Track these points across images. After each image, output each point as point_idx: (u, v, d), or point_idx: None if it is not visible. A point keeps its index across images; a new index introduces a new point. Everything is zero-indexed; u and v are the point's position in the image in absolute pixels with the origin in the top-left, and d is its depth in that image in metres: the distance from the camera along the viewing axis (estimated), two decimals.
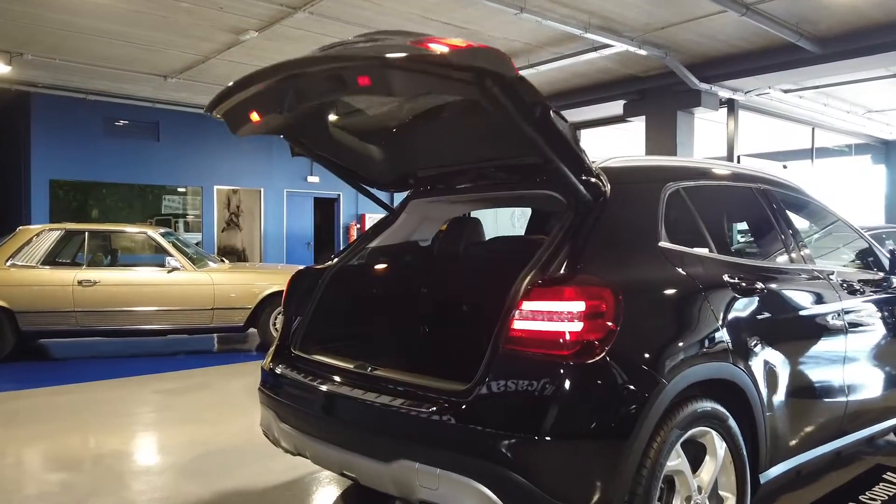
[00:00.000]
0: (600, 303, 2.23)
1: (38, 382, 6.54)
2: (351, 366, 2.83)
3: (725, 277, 2.75)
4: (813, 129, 14.88)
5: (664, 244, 2.63)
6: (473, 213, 3.91)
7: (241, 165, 14.84)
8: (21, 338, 7.44)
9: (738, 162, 12.41)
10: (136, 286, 7.73)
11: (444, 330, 3.58)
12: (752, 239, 3.67)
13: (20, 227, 7.98)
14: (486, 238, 3.73)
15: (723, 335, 2.58)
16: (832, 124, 14.53)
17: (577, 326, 2.19)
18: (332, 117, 3.15)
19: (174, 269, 7.80)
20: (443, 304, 3.62)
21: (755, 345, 2.73)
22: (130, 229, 8.36)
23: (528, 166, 2.94)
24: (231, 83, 2.65)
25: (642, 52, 9.27)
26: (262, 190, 15.27)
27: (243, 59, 10.16)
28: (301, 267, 3.58)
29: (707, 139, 12.65)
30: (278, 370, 3.09)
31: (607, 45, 9.07)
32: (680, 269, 2.60)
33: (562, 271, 2.34)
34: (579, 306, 2.21)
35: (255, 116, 2.70)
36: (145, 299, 7.70)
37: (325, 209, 16.64)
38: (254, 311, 8.07)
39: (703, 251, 2.81)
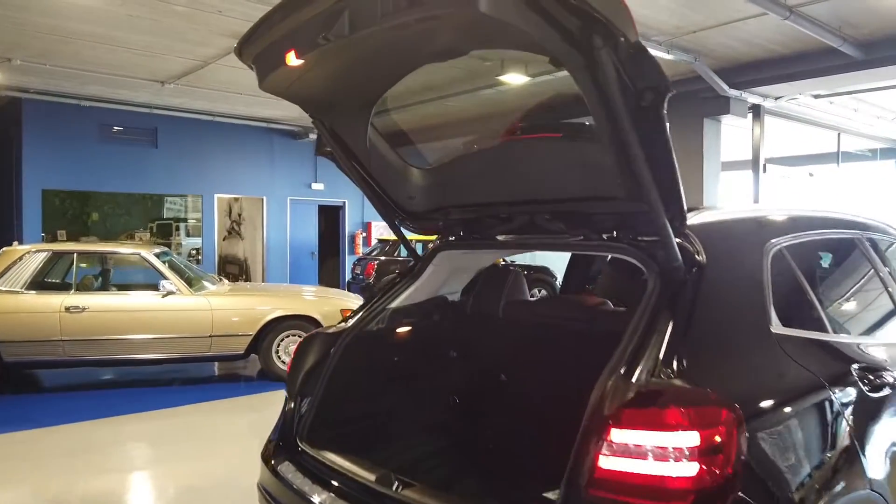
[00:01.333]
0: (718, 429, 1.64)
1: (15, 424, 5.95)
2: (372, 477, 2.25)
3: (853, 370, 2.16)
4: (839, 133, 14.28)
5: (777, 329, 2.05)
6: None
7: (242, 173, 14.27)
8: (4, 369, 6.88)
9: (765, 171, 11.80)
10: (128, 312, 7.15)
11: (485, 418, 2.98)
12: (848, 298, 3.06)
13: (3, 248, 7.41)
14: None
15: (859, 452, 1.99)
16: (859, 129, 13.91)
17: (691, 468, 1.60)
18: (377, 115, 2.60)
19: (169, 293, 7.23)
20: (480, 382, 3.03)
21: (889, 457, 2.14)
22: (123, 250, 7.78)
23: (596, 217, 2.35)
24: (272, 9, 2.06)
25: (669, 57, 8.66)
26: (264, 198, 14.70)
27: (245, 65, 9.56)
28: (310, 333, 2.94)
29: (724, 144, 12.04)
30: (281, 470, 2.51)
31: None
32: (801, 365, 2.01)
33: (657, 377, 1.75)
34: (692, 438, 1.62)
35: (291, 58, 2.07)
36: (138, 326, 7.13)
37: (331, 217, 16.07)
38: (255, 336, 7.51)
39: (821, 333, 2.22)
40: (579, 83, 1.84)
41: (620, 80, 1.73)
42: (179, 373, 8.08)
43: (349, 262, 15.58)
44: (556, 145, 2.38)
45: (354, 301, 8.15)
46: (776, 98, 10.57)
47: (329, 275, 16.43)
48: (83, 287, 7.36)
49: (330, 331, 2.89)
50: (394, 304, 2.90)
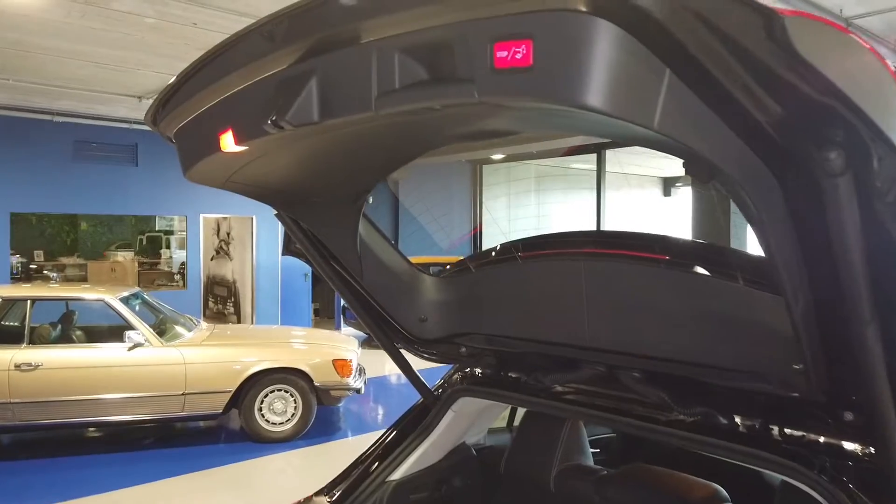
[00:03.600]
0: None
1: None
2: None
3: None
4: None
5: None
6: None
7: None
8: None
9: None
10: (88, 369, 6.23)
11: None
12: None
13: None
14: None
15: None
16: None
17: None
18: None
19: (136, 345, 6.32)
20: None
21: None
22: (87, 296, 6.84)
23: (728, 392, 1.46)
24: (190, 65, 1.27)
25: None
26: (253, 217, 13.77)
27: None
28: None
29: None
30: None
31: None
32: None
33: None
34: None
35: (226, 141, 1.24)
36: (100, 385, 6.21)
37: None
38: (236, 391, 6.61)
39: None
40: (756, 215, 0.96)
41: (867, 228, 0.86)
42: (149, 430, 7.15)
43: None
44: (660, 272, 1.50)
45: (348, 347, 7.25)
46: None
47: (323, 298, 15.54)
48: (39, 338, 6.45)
49: None
50: (397, 475, 2.00)
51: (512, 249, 1.82)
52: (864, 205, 0.86)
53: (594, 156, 13.80)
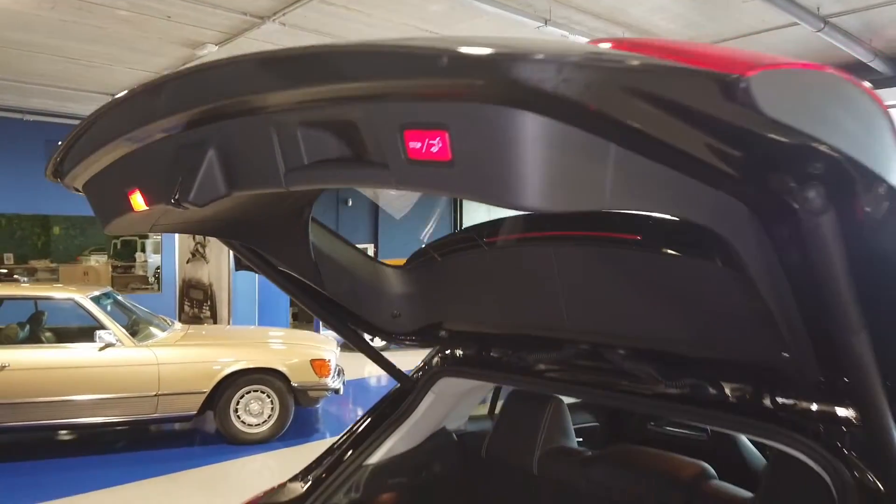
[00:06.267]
0: None
1: None
2: None
3: None
4: None
5: None
6: None
7: None
8: None
9: None
10: (56, 370, 6.05)
11: None
12: None
13: None
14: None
15: None
16: None
17: None
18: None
19: (108, 345, 6.15)
20: None
21: None
22: (56, 294, 6.66)
23: (713, 364, 1.40)
24: (84, 121, 1.15)
25: None
26: None
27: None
28: None
29: None
30: None
31: None
32: None
33: None
34: None
35: (137, 201, 1.17)
36: (69, 387, 6.03)
37: None
38: (211, 393, 6.46)
39: None
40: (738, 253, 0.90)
41: (852, 263, 0.80)
42: (122, 432, 6.97)
43: None
44: (633, 254, 1.43)
45: (327, 347, 7.13)
46: None
47: None
48: (5, 339, 6.27)
49: (276, 500, 1.89)
50: (374, 459, 1.92)
51: (475, 236, 1.74)
52: (848, 237, 0.80)
53: None
